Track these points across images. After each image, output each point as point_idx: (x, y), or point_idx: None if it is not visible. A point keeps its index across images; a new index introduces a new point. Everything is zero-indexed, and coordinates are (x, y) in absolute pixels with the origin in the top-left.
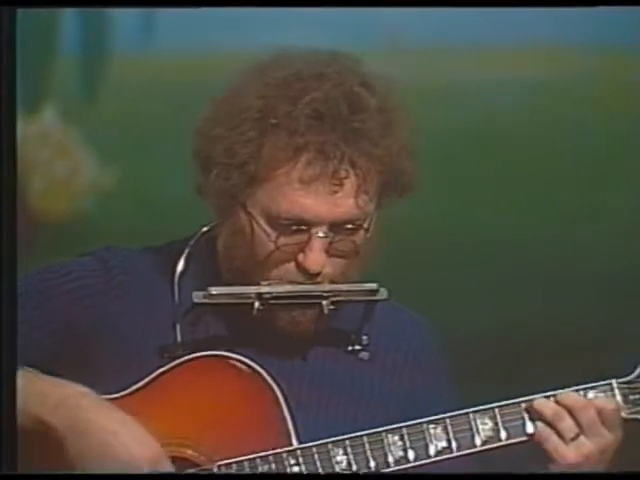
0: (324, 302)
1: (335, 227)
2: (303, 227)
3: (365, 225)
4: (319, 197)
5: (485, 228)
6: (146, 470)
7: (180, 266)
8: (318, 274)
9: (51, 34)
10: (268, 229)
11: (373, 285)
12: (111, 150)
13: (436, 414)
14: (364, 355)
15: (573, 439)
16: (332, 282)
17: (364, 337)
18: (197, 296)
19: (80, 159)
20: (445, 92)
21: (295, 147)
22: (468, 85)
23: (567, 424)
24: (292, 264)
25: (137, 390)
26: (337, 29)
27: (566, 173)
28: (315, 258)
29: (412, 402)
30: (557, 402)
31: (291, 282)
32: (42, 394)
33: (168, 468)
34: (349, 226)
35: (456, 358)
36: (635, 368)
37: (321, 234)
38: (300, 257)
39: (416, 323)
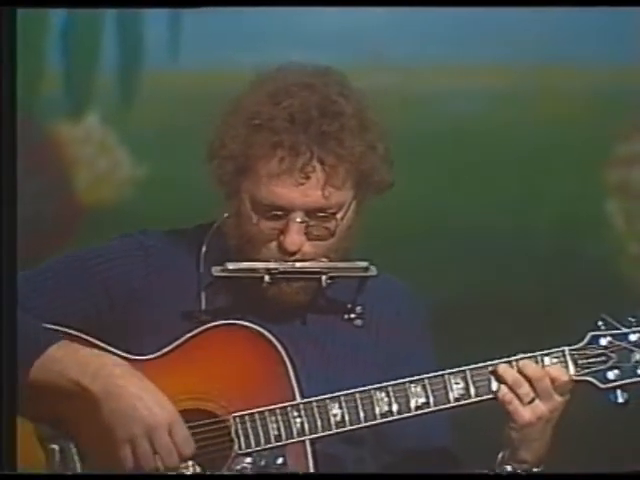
0: (323, 277)
1: (310, 214)
2: (280, 212)
3: (338, 215)
4: (288, 187)
5: (456, 214)
6: (163, 431)
7: (205, 245)
8: (295, 253)
9: (94, 51)
10: (252, 213)
11: (364, 263)
12: (145, 148)
13: (420, 372)
14: (358, 322)
15: (529, 402)
16: (311, 260)
17: (358, 307)
18: (216, 270)
19: (119, 156)
20: (419, 101)
21: (272, 144)
22: (439, 95)
23: (525, 390)
24: (274, 244)
25: (167, 353)
26: (329, 47)
27: (519, 167)
28: (292, 239)
29: (399, 362)
30: (518, 370)
31: (277, 260)
32: (82, 363)
33: (182, 429)
34: (321, 214)
35: (436, 323)
36: (584, 337)
37: (298, 219)
38: (281, 238)
39: (404, 293)
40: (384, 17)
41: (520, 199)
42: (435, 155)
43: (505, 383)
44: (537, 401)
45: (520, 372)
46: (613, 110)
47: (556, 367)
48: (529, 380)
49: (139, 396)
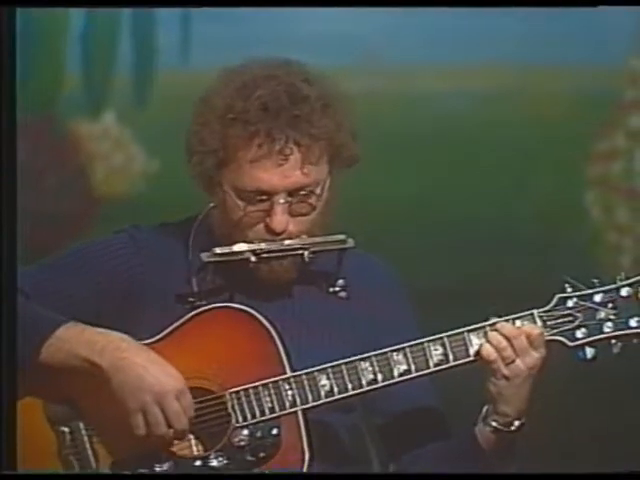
0: (305, 252)
1: (292, 193)
2: (264, 197)
3: (317, 191)
4: (269, 171)
5: (447, 205)
6: (172, 398)
7: (192, 235)
8: (282, 232)
9: (110, 55)
10: (238, 201)
11: (342, 236)
12: (157, 145)
13: (402, 341)
14: (342, 294)
15: (510, 363)
16: (298, 238)
17: (340, 280)
18: (205, 256)
19: (133, 152)
20: (410, 101)
21: (249, 134)
22: (428, 95)
23: (508, 353)
24: (262, 226)
25: (164, 337)
26: (327, 50)
27: (502, 162)
28: (278, 220)
29: (382, 332)
30: (497, 331)
31: (265, 240)
32: (90, 341)
33: (189, 396)
34: (302, 192)
35: (413, 294)
36: (551, 300)
37: (282, 200)
38: (267, 220)
39: (383, 267)
40: (377, 23)
41: (506, 191)
42: (426, 151)
43: (492, 344)
44: (517, 360)
45: (500, 333)
46: (593, 109)
47: (528, 324)
48: (507, 339)
49: (145, 367)
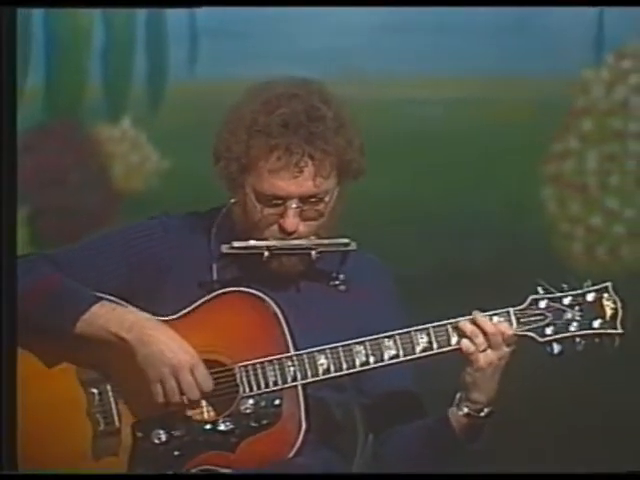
0: (313, 252)
1: (303, 200)
2: (280, 201)
3: (326, 199)
4: (286, 180)
5: (422, 200)
6: (187, 371)
7: (215, 227)
8: (293, 232)
9: (128, 67)
10: (256, 203)
11: (346, 240)
12: (169, 146)
13: (391, 329)
14: (341, 288)
15: (483, 350)
16: (307, 239)
17: (341, 276)
18: (225, 247)
19: (147, 152)
20: (391, 107)
21: (270, 147)
22: (407, 102)
23: (480, 340)
24: (276, 226)
25: (184, 315)
26: (319, 63)
27: (470, 162)
28: (290, 222)
29: (374, 321)
30: (474, 324)
31: (278, 239)
32: (120, 318)
33: (202, 369)
34: (312, 199)
35: (402, 289)
36: (525, 300)
37: (294, 205)
38: (281, 221)
39: (377, 266)
40: (364, 38)
41: (473, 188)
42: (404, 152)
43: (465, 334)
44: (489, 350)
45: (477, 326)
46: (549, 114)
47: (504, 323)
48: (485, 333)
49: (166, 343)
